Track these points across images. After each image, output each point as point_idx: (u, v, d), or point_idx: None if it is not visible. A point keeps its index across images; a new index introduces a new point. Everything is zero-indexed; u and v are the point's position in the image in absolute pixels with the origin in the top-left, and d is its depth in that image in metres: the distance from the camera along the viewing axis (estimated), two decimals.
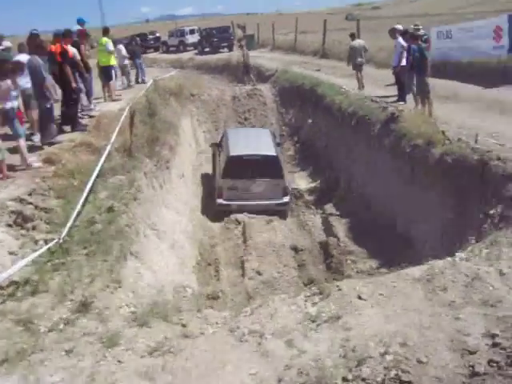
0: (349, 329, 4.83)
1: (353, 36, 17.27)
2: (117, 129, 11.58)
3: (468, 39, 17.07)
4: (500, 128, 10.28)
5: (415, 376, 4.09)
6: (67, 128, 11.66)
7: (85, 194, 8.12)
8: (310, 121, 19.56)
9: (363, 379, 4.11)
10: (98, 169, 9.43)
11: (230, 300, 9.66)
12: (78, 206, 7.66)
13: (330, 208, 13.73)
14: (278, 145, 15.04)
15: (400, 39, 13.81)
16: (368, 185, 12.87)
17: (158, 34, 49.48)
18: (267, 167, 13.57)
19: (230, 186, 13.55)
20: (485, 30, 16.23)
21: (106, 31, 15.86)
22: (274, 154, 13.92)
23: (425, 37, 15.75)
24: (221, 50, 40.64)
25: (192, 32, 44.97)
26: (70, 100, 11.43)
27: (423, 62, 11.90)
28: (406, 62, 12.85)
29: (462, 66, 16.45)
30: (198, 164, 17.96)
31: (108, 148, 10.49)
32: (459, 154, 9.33)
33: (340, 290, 5.58)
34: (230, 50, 39.78)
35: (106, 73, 15.37)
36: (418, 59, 11.92)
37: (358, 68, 16.81)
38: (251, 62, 28.81)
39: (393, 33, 14.46)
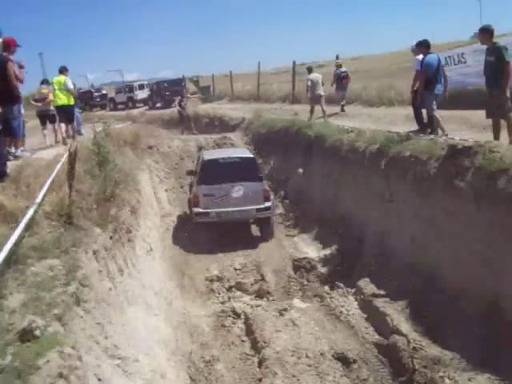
0: None
1: (310, 70, 18.15)
2: (48, 182, 7.38)
3: None
4: None
5: None
6: None
7: None
8: (300, 170, 15.64)
9: None
10: (7, 249, 5.25)
11: None
12: None
13: (366, 284, 9.59)
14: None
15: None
16: (428, 247, 8.82)
17: (104, 91, 45.39)
18: (244, 170, 12.91)
19: (207, 193, 12.59)
20: None
21: (63, 70, 14.19)
22: (251, 156, 13.62)
23: (343, 74, 18.34)
24: (174, 105, 36.93)
25: (141, 87, 41.27)
26: None
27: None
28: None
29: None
30: (164, 230, 13.60)
31: (30, 212, 6.25)
32: None
33: None
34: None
35: (67, 112, 14.08)
36: None
37: (316, 100, 17.21)
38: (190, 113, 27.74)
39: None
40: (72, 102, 14.16)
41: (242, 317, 9.29)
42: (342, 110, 18.34)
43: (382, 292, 9.12)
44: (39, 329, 4.28)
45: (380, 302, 8.77)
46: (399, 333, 7.65)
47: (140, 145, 16.41)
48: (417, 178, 9.41)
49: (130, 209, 8.76)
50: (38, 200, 6.66)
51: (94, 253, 6.58)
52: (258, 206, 12.64)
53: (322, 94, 17.20)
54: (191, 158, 18.88)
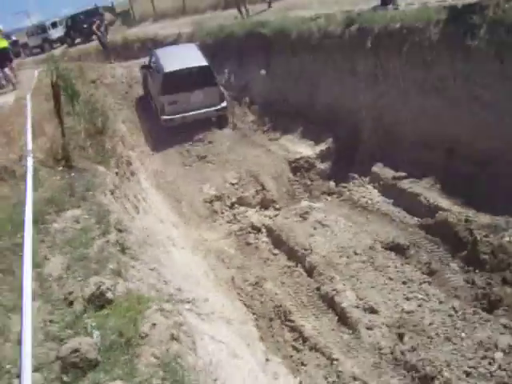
0: None
1: None
2: (28, 126, 6.35)
3: None
4: None
5: None
6: None
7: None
8: (262, 72, 14.63)
9: None
10: (29, 209, 4.40)
11: None
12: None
13: (381, 169, 9.12)
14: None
15: None
16: (442, 117, 8.29)
17: (14, 38, 41.34)
18: (201, 77, 13.76)
19: (171, 101, 13.61)
20: None
21: None
22: (206, 64, 14.15)
23: None
24: (93, 38, 34.23)
25: (54, 25, 37.51)
26: None
27: None
28: None
29: None
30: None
31: (29, 162, 5.32)
32: None
33: None
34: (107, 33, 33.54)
35: (5, 56, 14.02)
36: None
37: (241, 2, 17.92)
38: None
39: None
40: (6, 44, 14.35)
41: (264, 230, 8.71)
42: (269, 6, 17.94)
43: (402, 174, 8.66)
44: (110, 290, 3.53)
45: (405, 184, 8.34)
46: (441, 209, 7.25)
47: (86, 79, 14.84)
48: (414, 49, 8.75)
49: (120, 140, 7.77)
50: (29, 147, 5.66)
51: (112, 193, 5.72)
52: (216, 108, 13.80)
53: None
54: (139, 83, 17.59)
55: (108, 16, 38.07)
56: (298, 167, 10.86)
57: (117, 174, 6.53)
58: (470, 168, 7.56)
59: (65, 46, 35.90)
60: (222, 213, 10.01)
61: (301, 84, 12.67)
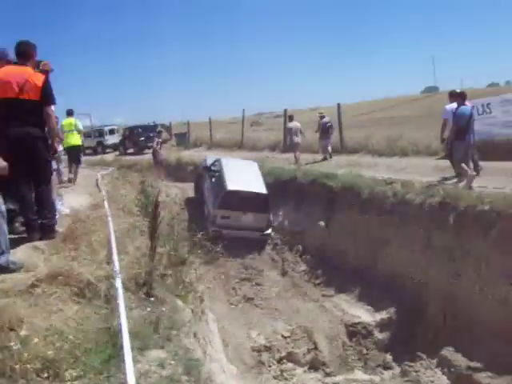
0: None
1: (291, 118, 19.76)
2: (113, 241, 5.97)
3: None
4: None
5: None
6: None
7: None
8: (321, 223, 14.47)
9: None
10: (127, 343, 3.89)
11: None
12: None
13: (452, 354, 8.41)
14: None
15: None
16: None
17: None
18: (257, 202, 14.80)
19: (224, 216, 14.62)
20: None
21: (71, 112, 14.74)
22: (266, 193, 15.01)
23: (329, 124, 18.37)
24: (146, 151, 35.40)
25: (112, 132, 39.30)
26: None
27: None
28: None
29: None
30: None
31: (119, 284, 4.86)
32: None
33: None
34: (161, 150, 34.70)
35: (78, 153, 14.96)
36: None
37: (294, 147, 18.66)
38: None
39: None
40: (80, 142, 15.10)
41: None
42: (330, 157, 18.60)
43: (477, 364, 7.93)
44: None
45: (483, 378, 7.56)
46: None
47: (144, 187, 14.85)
48: (505, 236, 8.40)
49: (195, 272, 7.30)
50: (117, 267, 5.21)
51: (195, 335, 5.15)
52: (262, 232, 14.98)
53: (300, 142, 18.76)
54: (191, 207, 17.60)
55: (163, 134, 39.65)
56: (355, 332, 10.26)
57: (192, 311, 5.99)
58: None
59: (117, 152, 37.12)
60: (270, 366, 9.31)
61: (363, 243, 12.36)
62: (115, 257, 5.43)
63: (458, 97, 11.02)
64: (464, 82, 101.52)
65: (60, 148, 12.61)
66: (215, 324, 7.94)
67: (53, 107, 6.26)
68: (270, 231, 15.19)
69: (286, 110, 25.39)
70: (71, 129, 14.19)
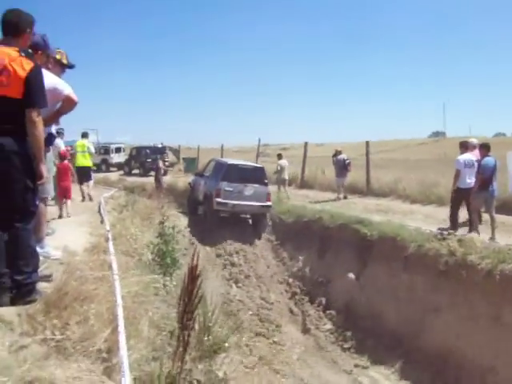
0: None
1: (279, 156, 21.42)
2: (121, 321, 4.05)
3: None
4: None
5: None
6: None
7: None
8: (351, 276, 12.62)
9: None
10: None
11: None
12: None
13: None
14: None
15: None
16: None
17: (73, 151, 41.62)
18: (255, 176, 16.70)
19: (227, 189, 16.07)
20: None
21: (86, 135, 15.98)
22: (261, 166, 17.72)
23: (347, 161, 18.60)
24: (151, 174, 33.77)
25: (118, 150, 37.71)
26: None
27: None
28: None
29: None
30: None
31: None
32: None
33: None
34: (165, 173, 33.01)
35: (89, 171, 15.35)
36: None
37: (283, 182, 20.47)
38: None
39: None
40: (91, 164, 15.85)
41: None
42: (345, 197, 18.49)
43: None
44: None
45: None
46: None
47: (154, 221, 13.01)
48: None
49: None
50: (125, 370, 3.32)
51: None
52: (262, 204, 16.44)
53: (287, 178, 20.96)
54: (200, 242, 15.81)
55: (171, 157, 38.19)
56: None
57: None
58: None
59: (121, 172, 35.50)
60: None
61: (405, 306, 10.51)
62: (123, 351, 3.52)
63: (483, 148, 11.11)
64: (472, 129, 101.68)
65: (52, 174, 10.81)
66: None
67: (40, 112, 4.06)
68: (270, 203, 16.62)
69: (306, 144, 24.11)
70: (84, 150, 15.12)
